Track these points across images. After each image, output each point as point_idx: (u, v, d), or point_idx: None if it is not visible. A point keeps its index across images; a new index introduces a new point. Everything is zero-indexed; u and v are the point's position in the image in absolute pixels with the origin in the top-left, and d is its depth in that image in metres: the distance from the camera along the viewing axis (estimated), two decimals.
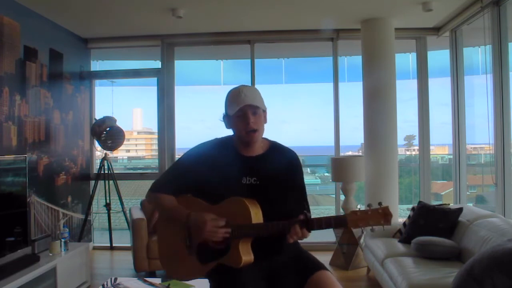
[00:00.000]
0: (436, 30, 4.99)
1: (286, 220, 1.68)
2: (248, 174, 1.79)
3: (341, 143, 5.18)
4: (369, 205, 1.60)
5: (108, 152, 5.04)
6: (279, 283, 1.78)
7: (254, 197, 1.75)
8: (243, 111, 1.72)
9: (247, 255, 1.72)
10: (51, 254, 3.51)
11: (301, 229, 1.63)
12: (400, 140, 5.26)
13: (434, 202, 4.72)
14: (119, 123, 5.03)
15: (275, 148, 1.87)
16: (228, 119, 1.79)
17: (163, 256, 1.94)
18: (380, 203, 1.59)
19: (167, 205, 1.84)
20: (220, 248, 1.74)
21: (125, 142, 5.11)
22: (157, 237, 2.03)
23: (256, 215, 1.71)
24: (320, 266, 1.78)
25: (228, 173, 1.78)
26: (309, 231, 1.65)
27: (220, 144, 1.86)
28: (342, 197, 4.79)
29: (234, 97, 1.74)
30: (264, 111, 1.79)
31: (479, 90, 4.45)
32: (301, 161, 1.92)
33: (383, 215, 1.57)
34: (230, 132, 1.86)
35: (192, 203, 1.83)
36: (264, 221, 1.72)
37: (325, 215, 1.72)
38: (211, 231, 1.69)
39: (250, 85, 5.35)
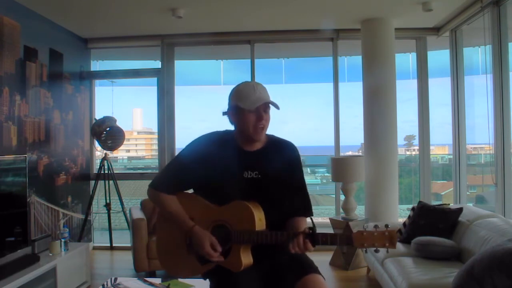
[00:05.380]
0: (436, 30, 4.99)
1: (286, 215, 1.70)
2: (249, 168, 1.78)
3: (341, 143, 5.18)
4: (375, 226, 1.59)
5: (108, 152, 5.04)
6: (273, 284, 1.77)
7: (256, 191, 1.75)
8: (258, 107, 1.72)
9: (247, 259, 1.72)
10: (51, 254, 3.52)
11: (305, 242, 1.62)
12: (400, 140, 5.26)
13: (434, 202, 4.72)
14: (119, 123, 5.03)
15: (274, 142, 1.87)
16: (237, 112, 1.76)
17: (161, 251, 1.93)
18: (386, 225, 1.58)
19: (171, 208, 1.82)
20: (220, 251, 1.73)
21: (125, 142, 5.10)
22: (157, 232, 2.01)
23: (260, 221, 1.71)
24: (311, 269, 1.76)
25: (230, 167, 1.77)
26: (314, 246, 1.63)
27: (219, 138, 1.84)
28: (342, 197, 4.79)
29: (248, 92, 1.73)
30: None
31: (479, 90, 4.45)
32: (301, 158, 1.91)
33: (389, 238, 1.57)
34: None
35: (196, 204, 1.82)
36: (267, 220, 1.72)
37: (329, 231, 1.71)
38: (207, 253, 1.71)
39: None
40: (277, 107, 1.75)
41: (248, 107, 1.71)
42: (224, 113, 1.82)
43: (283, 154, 1.84)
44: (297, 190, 1.84)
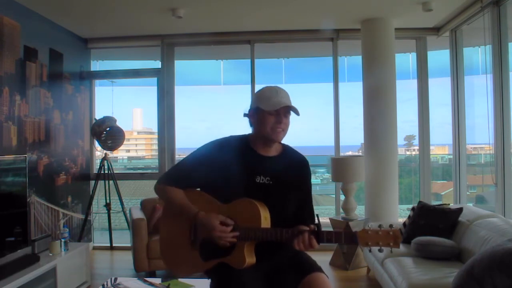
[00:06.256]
0: (436, 30, 4.99)
1: (291, 223, 1.69)
2: (262, 173, 1.79)
3: (341, 143, 5.18)
4: (380, 226, 1.60)
5: (108, 152, 5.04)
6: (276, 283, 1.78)
7: (265, 197, 1.75)
8: (279, 110, 1.74)
9: (250, 258, 1.72)
10: (51, 254, 3.52)
11: (310, 239, 1.63)
12: (400, 140, 5.26)
13: (434, 202, 4.72)
14: (119, 123, 5.03)
15: (289, 151, 1.89)
16: (257, 114, 1.79)
17: (164, 248, 1.93)
18: (391, 225, 1.60)
19: (176, 199, 1.83)
20: (224, 247, 1.74)
21: (125, 142, 5.10)
22: (160, 228, 2.01)
23: (266, 219, 1.71)
24: (314, 268, 1.77)
25: (242, 170, 1.78)
26: (318, 243, 1.64)
27: (235, 141, 1.86)
28: (342, 197, 4.79)
29: (270, 95, 1.77)
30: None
31: (479, 90, 4.45)
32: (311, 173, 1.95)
33: (393, 237, 1.58)
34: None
35: (202, 199, 1.82)
36: (272, 224, 1.72)
37: (335, 229, 1.72)
38: (219, 236, 1.70)
39: (250, 85, 5.38)
40: (297, 113, 1.78)
41: (268, 109, 1.74)
42: (245, 115, 1.85)
43: (297, 165, 1.87)
44: (304, 201, 1.86)
